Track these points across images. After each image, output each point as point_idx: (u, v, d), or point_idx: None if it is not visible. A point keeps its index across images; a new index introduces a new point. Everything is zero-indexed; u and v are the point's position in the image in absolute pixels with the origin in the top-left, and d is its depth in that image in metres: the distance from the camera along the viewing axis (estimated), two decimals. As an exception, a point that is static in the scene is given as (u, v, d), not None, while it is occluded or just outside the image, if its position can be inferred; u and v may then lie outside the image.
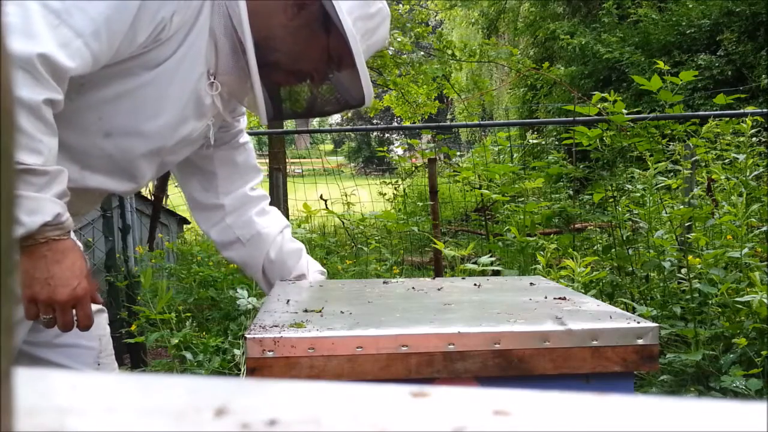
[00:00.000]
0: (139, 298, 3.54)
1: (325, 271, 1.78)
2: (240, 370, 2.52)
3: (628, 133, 3.36)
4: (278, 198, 5.17)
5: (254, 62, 1.35)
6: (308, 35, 1.40)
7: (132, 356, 3.59)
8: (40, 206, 1.16)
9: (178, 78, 1.35)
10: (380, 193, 6.03)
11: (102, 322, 1.51)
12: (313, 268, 1.74)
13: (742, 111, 4.08)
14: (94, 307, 1.36)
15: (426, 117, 9.68)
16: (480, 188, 4.30)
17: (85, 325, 1.29)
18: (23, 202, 1.14)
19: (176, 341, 2.84)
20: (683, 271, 2.87)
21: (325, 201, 4.48)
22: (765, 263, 2.88)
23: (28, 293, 1.22)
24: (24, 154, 1.13)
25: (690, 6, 9.83)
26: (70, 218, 1.22)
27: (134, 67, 1.30)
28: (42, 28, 1.13)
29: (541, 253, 3.05)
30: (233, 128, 1.64)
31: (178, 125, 1.39)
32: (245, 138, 1.69)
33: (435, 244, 3.36)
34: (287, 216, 5.68)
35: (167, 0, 1.26)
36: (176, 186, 2.25)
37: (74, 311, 1.25)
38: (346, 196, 4.88)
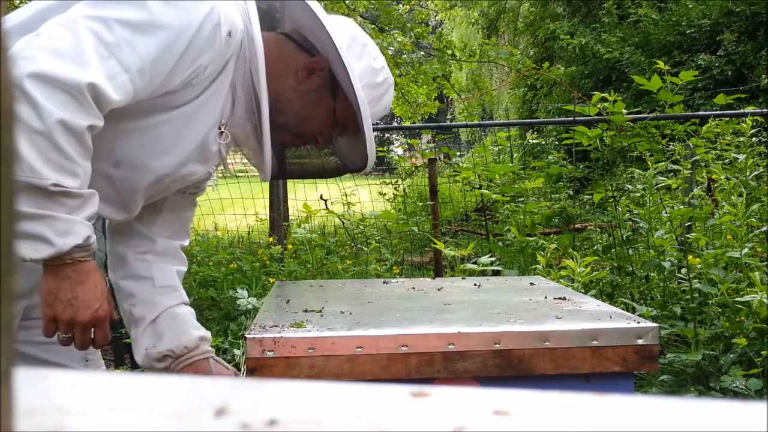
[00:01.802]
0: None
1: (206, 336, 1.66)
2: (240, 370, 2.52)
3: (628, 133, 3.36)
4: (278, 198, 5.17)
5: (267, 120, 1.37)
6: (317, 99, 1.44)
7: (132, 356, 3.59)
8: (72, 228, 1.19)
9: (194, 122, 1.38)
10: (380, 193, 6.03)
11: None
12: (188, 339, 1.60)
13: (742, 111, 4.08)
14: None
15: (426, 117, 9.67)
16: (480, 188, 4.30)
17: (102, 344, 1.32)
18: (55, 223, 1.16)
19: (176, 341, 2.83)
20: (683, 271, 2.86)
21: (325, 201, 4.48)
22: (765, 263, 2.88)
23: (50, 313, 1.24)
24: (62, 176, 1.16)
25: (690, 6, 9.83)
26: (95, 240, 1.25)
27: (157, 105, 1.33)
28: (93, 57, 1.17)
29: (541, 253, 3.05)
30: (204, 182, 1.65)
31: (181, 165, 1.42)
32: (197, 197, 1.70)
33: (435, 244, 3.36)
34: (287, 216, 5.68)
35: (208, 49, 1.29)
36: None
37: (93, 331, 1.28)
38: (346, 196, 4.88)
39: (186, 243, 1.69)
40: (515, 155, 7.70)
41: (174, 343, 1.55)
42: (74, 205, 1.18)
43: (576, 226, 4.26)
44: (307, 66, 1.44)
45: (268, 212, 5.52)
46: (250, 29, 1.38)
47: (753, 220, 3.07)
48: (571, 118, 3.86)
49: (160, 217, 1.62)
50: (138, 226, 1.61)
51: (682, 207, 3.15)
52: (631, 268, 3.18)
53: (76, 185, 1.18)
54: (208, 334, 1.65)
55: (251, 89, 1.40)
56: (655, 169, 3.11)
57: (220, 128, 1.42)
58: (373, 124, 1.45)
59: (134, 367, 3.54)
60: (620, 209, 3.34)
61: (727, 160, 3.70)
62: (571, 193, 5.48)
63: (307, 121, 1.46)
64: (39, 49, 1.12)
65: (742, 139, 3.45)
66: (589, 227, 4.19)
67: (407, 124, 9.30)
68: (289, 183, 6.40)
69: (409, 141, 5.80)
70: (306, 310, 1.36)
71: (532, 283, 1.73)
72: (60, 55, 1.14)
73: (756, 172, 3.29)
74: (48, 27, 1.17)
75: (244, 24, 1.38)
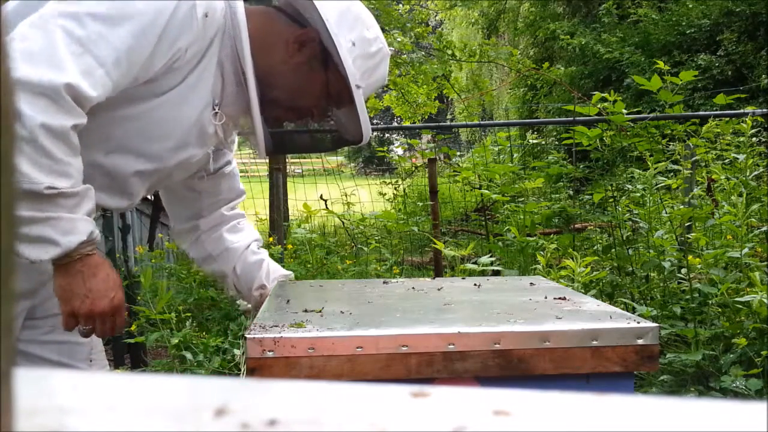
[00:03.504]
0: (139, 298, 3.53)
1: (291, 273, 1.85)
2: (240, 370, 2.52)
3: (628, 133, 3.37)
4: (278, 198, 5.17)
5: (255, 96, 1.37)
6: (308, 73, 1.43)
7: (132, 356, 3.59)
8: (75, 226, 1.22)
9: (185, 105, 1.38)
10: (380, 193, 6.03)
11: None
12: (275, 275, 1.79)
13: (742, 111, 4.08)
14: None
15: (426, 117, 9.68)
16: (480, 188, 4.30)
17: (122, 330, 1.38)
18: (58, 224, 1.19)
19: (176, 341, 2.84)
20: (683, 271, 2.86)
21: (325, 201, 4.48)
22: (765, 263, 2.88)
23: (68, 308, 1.28)
24: (54, 178, 1.18)
25: (690, 6, 9.83)
26: (98, 233, 1.28)
27: (145, 92, 1.33)
28: (66, 56, 1.16)
29: (541, 253, 3.05)
30: (223, 157, 1.69)
31: (178, 149, 1.42)
32: (232, 165, 1.75)
33: (435, 244, 3.36)
34: (287, 216, 5.68)
35: (185, 31, 1.29)
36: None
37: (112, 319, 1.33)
38: (346, 196, 4.88)
39: (239, 200, 1.83)
40: (515, 155, 7.69)
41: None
42: (72, 204, 1.21)
43: (576, 226, 4.26)
44: (297, 38, 1.42)
45: (268, 212, 5.52)
46: (232, 5, 1.37)
47: (753, 220, 3.07)
48: (571, 118, 3.86)
49: (201, 203, 1.71)
50: (186, 224, 1.73)
51: (682, 207, 3.15)
52: (631, 268, 3.18)
53: (69, 185, 1.20)
54: (270, 274, 1.81)
55: (238, 65, 1.39)
56: (655, 169, 3.11)
57: (214, 108, 1.41)
58: (372, 118, 1.45)
59: (134, 367, 3.54)
60: (620, 209, 3.34)
61: (727, 160, 3.70)
62: (571, 193, 5.48)
63: (299, 94, 1.45)
64: (13, 53, 1.13)
65: (742, 139, 3.45)
66: (589, 227, 4.19)
67: (407, 124, 9.30)
68: (289, 183, 6.40)
69: (409, 141, 5.80)
70: (306, 310, 1.36)
71: (532, 283, 1.73)
72: (33, 59, 1.14)
73: (756, 172, 3.29)
74: (20, 29, 1.16)
75: (226, 12, 1.37)
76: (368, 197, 5.77)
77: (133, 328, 3.19)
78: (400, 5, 9.73)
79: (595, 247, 3.61)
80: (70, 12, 1.19)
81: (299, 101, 1.46)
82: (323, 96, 1.47)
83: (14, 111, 0.28)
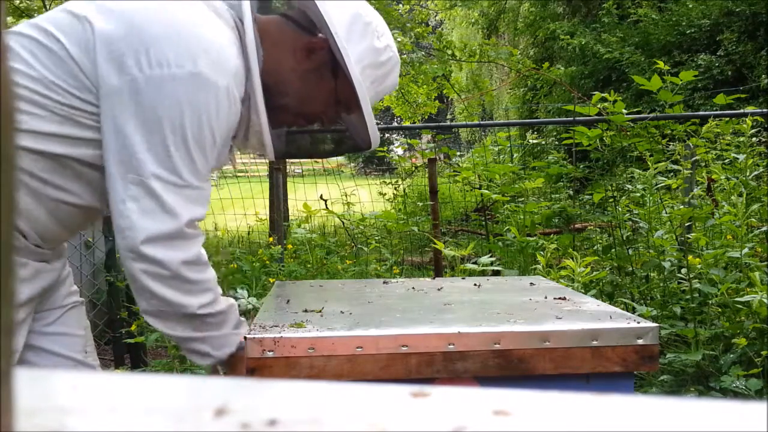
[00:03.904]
0: (139, 297, 3.53)
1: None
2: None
3: (628, 133, 3.36)
4: (278, 198, 5.16)
5: (262, 101, 1.39)
6: (316, 79, 1.45)
7: (132, 356, 3.59)
8: (226, 341, 1.38)
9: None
10: (380, 193, 6.02)
11: (83, 314, 1.58)
12: None
13: (742, 111, 4.08)
14: (72, 299, 1.52)
15: (426, 117, 9.68)
16: (480, 188, 4.30)
17: None
18: (211, 341, 1.38)
19: (176, 341, 2.83)
20: (683, 271, 2.86)
21: (325, 201, 4.48)
22: (765, 263, 2.88)
23: None
24: (201, 297, 1.35)
25: (690, 6, 9.83)
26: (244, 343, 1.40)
27: None
28: (174, 199, 1.30)
29: (541, 253, 3.05)
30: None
31: None
32: None
33: (435, 244, 3.36)
34: (287, 216, 5.68)
35: (233, 118, 1.37)
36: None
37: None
38: (346, 196, 4.87)
39: None
40: (515, 155, 7.70)
41: None
42: (219, 321, 1.38)
43: (576, 226, 4.26)
44: (306, 46, 1.43)
45: (268, 212, 5.52)
46: (246, 27, 1.39)
47: (753, 220, 3.07)
48: (571, 118, 3.86)
49: None
50: None
51: (682, 207, 3.15)
52: (631, 268, 3.18)
53: (213, 299, 1.37)
54: None
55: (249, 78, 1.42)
56: (655, 169, 3.11)
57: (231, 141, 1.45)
58: (377, 112, 1.48)
59: (134, 367, 3.54)
60: (620, 209, 3.34)
61: (727, 160, 3.70)
62: (571, 193, 5.48)
63: (308, 100, 1.47)
64: (133, 216, 1.29)
65: (742, 139, 3.45)
66: (589, 227, 4.19)
67: (407, 124, 9.30)
68: (289, 183, 6.39)
69: (409, 141, 5.80)
70: (306, 310, 1.36)
71: (532, 283, 1.73)
72: (153, 216, 1.29)
73: (756, 172, 3.29)
74: (122, 191, 1.28)
75: (237, 25, 1.40)
76: (368, 197, 5.77)
77: (133, 328, 3.19)
78: (400, 5, 9.73)
79: (595, 247, 3.61)
80: (158, 160, 1.29)
81: (307, 107, 1.48)
82: (331, 102, 1.48)
83: (14, 111, 0.28)
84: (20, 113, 1.25)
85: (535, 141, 7.28)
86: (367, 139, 1.49)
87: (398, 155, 7.65)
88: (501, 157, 5.60)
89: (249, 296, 2.66)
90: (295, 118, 1.50)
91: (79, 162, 1.32)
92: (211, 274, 1.39)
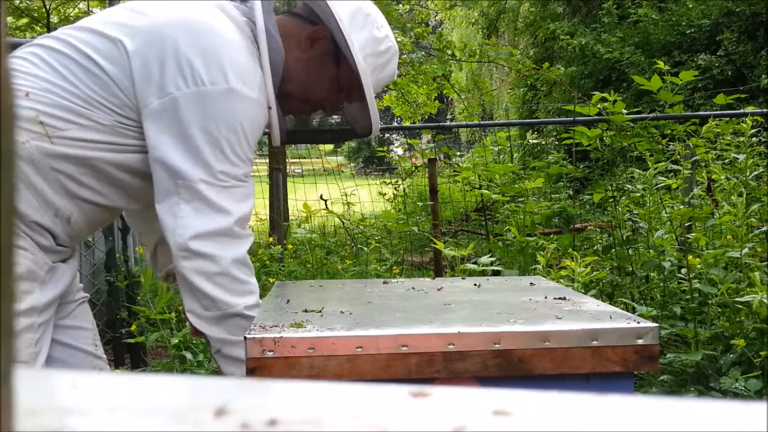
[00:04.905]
0: (139, 298, 3.53)
1: None
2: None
3: (628, 133, 3.36)
4: (278, 198, 5.17)
5: (271, 86, 1.46)
6: (320, 68, 1.54)
7: (132, 356, 3.59)
8: None
9: None
10: (380, 193, 6.03)
11: (89, 309, 1.63)
12: None
13: (742, 111, 4.08)
14: (81, 294, 1.56)
15: (426, 117, 9.68)
16: (480, 188, 4.30)
17: None
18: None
19: (176, 341, 2.84)
20: (683, 271, 2.86)
21: (325, 201, 4.48)
22: (765, 263, 2.88)
23: None
24: (247, 298, 1.40)
25: (690, 6, 9.83)
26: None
27: None
28: (223, 198, 1.38)
29: (541, 253, 3.05)
30: None
31: None
32: None
33: (435, 244, 3.36)
34: (287, 216, 5.68)
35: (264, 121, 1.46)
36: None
37: None
38: (346, 196, 4.88)
39: None
40: (515, 155, 7.69)
41: None
42: None
43: (576, 226, 4.26)
44: (310, 35, 1.52)
45: (268, 212, 5.52)
46: (259, 27, 1.47)
47: (753, 220, 3.07)
48: (571, 118, 3.86)
49: None
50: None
51: (682, 207, 3.15)
52: (631, 268, 3.18)
53: (257, 302, 1.42)
54: None
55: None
56: (655, 169, 3.11)
57: None
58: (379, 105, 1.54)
59: (134, 367, 3.54)
60: (620, 209, 3.34)
61: (727, 160, 3.70)
62: (571, 193, 5.48)
63: (312, 88, 1.55)
64: (185, 216, 1.36)
65: (742, 139, 3.45)
66: (589, 227, 4.19)
67: (407, 124, 9.30)
68: (289, 183, 6.39)
69: (409, 141, 5.80)
70: (306, 310, 1.36)
71: (532, 283, 1.73)
72: (204, 214, 1.36)
73: (756, 172, 3.29)
74: (174, 196, 1.36)
75: (250, 26, 1.48)
76: (368, 197, 5.77)
77: (133, 328, 3.19)
78: (400, 5, 9.73)
79: (595, 247, 3.61)
80: (204, 164, 1.36)
81: (312, 94, 1.56)
82: (334, 89, 1.56)
83: (14, 111, 0.28)
84: (66, 123, 1.33)
85: (535, 141, 7.28)
86: (369, 124, 1.57)
87: (398, 155, 7.66)
88: (501, 157, 5.60)
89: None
90: (299, 104, 1.57)
91: (117, 167, 1.40)
92: (255, 280, 1.44)
